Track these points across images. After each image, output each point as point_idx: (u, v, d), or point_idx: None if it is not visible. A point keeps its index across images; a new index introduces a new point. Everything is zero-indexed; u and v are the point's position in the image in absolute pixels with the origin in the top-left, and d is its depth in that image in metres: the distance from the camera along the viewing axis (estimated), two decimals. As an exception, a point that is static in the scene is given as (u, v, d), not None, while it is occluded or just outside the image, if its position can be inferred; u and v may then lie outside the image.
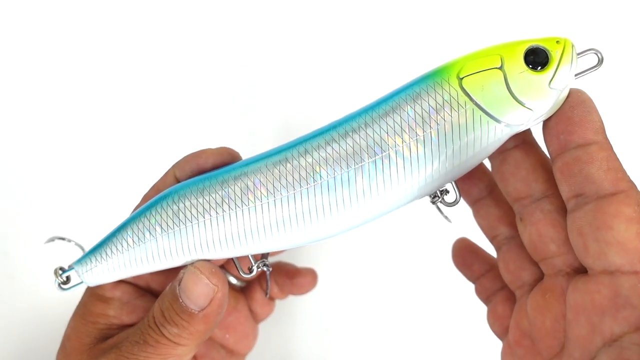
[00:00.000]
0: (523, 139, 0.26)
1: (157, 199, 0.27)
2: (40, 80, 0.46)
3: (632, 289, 0.21)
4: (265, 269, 0.28)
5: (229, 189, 0.25)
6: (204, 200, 0.26)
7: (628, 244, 0.21)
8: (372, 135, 0.24)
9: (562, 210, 0.24)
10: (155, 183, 0.29)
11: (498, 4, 0.46)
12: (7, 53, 0.46)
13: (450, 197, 0.26)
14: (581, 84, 0.24)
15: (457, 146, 0.24)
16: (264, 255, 0.29)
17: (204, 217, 0.26)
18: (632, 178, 0.22)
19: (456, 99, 0.24)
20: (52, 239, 0.30)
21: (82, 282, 0.28)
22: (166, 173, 0.28)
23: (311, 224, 0.25)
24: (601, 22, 0.46)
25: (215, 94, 0.47)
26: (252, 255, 0.27)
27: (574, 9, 0.46)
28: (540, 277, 0.26)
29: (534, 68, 0.24)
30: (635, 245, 0.21)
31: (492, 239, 0.29)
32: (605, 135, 0.23)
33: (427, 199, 0.26)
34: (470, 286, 0.31)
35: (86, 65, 0.46)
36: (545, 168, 0.25)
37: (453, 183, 0.25)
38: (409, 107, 0.24)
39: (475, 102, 0.24)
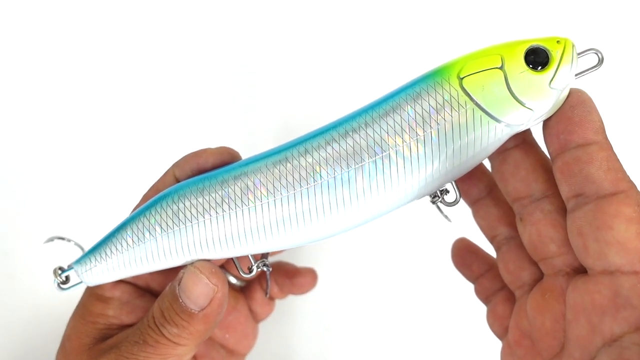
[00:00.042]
0: (523, 139, 0.26)
1: (157, 198, 0.27)
2: (40, 80, 0.46)
3: (632, 289, 0.21)
4: (265, 268, 0.28)
5: (229, 188, 0.25)
6: (204, 200, 0.26)
7: (628, 244, 0.21)
8: (372, 135, 0.24)
9: (562, 210, 0.24)
10: (155, 183, 0.29)
11: (498, 4, 0.46)
12: (7, 53, 0.46)
13: (450, 197, 0.26)
14: (581, 84, 0.24)
15: (458, 146, 0.24)
16: (264, 255, 0.29)
17: (203, 217, 0.26)
18: (632, 178, 0.22)
19: (456, 98, 0.24)
20: (51, 239, 0.30)
21: (81, 282, 0.28)
22: (166, 173, 0.28)
23: (311, 223, 0.25)
24: (601, 22, 0.46)
25: (215, 94, 0.47)
26: (252, 255, 0.27)
27: (574, 8, 0.46)
28: (539, 277, 0.26)
29: (535, 68, 0.24)
30: (635, 245, 0.21)
31: (492, 239, 0.29)
32: (605, 135, 0.23)
33: (427, 198, 0.26)
34: (470, 286, 0.31)
35: (86, 66, 0.46)
36: (545, 168, 0.25)
37: (453, 183, 0.25)
38: (409, 106, 0.24)
39: (476, 102, 0.24)
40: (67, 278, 0.28)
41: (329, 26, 0.47)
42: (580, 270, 0.24)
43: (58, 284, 0.28)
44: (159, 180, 0.29)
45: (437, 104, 0.24)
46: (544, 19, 0.46)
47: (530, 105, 0.23)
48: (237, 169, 0.26)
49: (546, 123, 0.24)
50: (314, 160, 0.25)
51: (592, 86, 0.25)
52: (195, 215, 0.26)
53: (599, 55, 0.24)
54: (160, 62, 0.47)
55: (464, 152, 0.24)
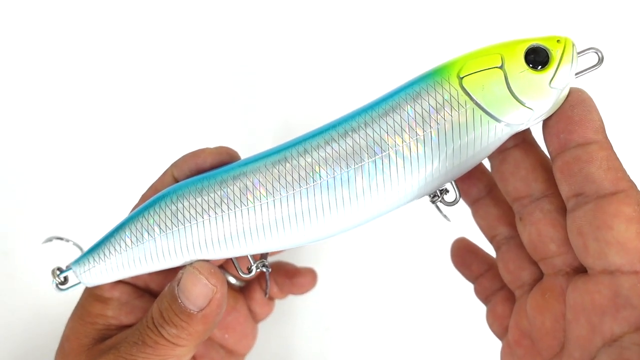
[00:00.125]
0: (523, 138, 0.26)
1: (156, 199, 0.27)
2: (39, 81, 0.46)
3: (632, 289, 0.21)
4: (264, 269, 0.28)
5: (228, 188, 0.25)
6: (203, 200, 0.26)
7: (628, 243, 0.21)
8: (371, 135, 0.24)
9: (562, 209, 0.24)
10: (154, 183, 0.29)
11: (498, 3, 0.46)
12: (7, 53, 0.46)
13: (450, 197, 0.26)
14: (581, 83, 0.24)
15: (457, 145, 0.24)
16: (263, 256, 0.29)
17: (202, 217, 0.25)
18: (632, 177, 0.22)
19: (456, 98, 0.24)
20: (49, 239, 0.30)
21: (80, 283, 0.28)
22: (164, 173, 0.28)
23: (310, 224, 0.25)
24: (601, 21, 0.46)
25: (215, 93, 0.47)
26: (251, 256, 0.27)
27: (574, 8, 0.46)
28: (539, 276, 0.26)
29: (535, 67, 0.24)
30: (636, 245, 0.21)
31: (492, 239, 0.29)
32: (605, 135, 0.23)
33: (427, 198, 0.26)
34: (470, 286, 0.31)
35: (86, 66, 0.46)
36: (545, 167, 0.25)
37: (453, 182, 0.25)
38: (409, 106, 0.24)
39: (476, 102, 0.23)
40: (66, 279, 0.28)
41: (329, 26, 0.47)
42: (580, 270, 0.24)
43: (57, 285, 0.28)
44: (157, 180, 0.28)
45: (437, 104, 0.24)
46: (544, 18, 0.46)
47: (530, 105, 0.23)
48: (236, 169, 0.26)
49: (546, 122, 0.24)
50: (313, 160, 0.25)
51: (592, 85, 0.25)
52: (194, 216, 0.26)
53: (599, 54, 0.24)
54: (159, 62, 0.47)
55: (464, 152, 0.24)
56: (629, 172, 0.22)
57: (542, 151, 0.26)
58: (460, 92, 0.24)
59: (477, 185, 0.29)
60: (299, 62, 0.47)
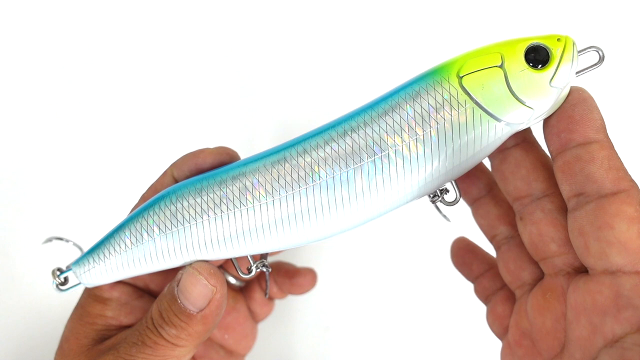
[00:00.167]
0: (523, 138, 0.25)
1: (155, 199, 0.26)
2: (39, 81, 0.46)
3: (634, 289, 0.21)
4: (264, 269, 0.28)
5: (228, 189, 0.25)
6: (202, 201, 0.25)
7: (629, 243, 0.21)
8: (371, 135, 0.24)
9: (563, 209, 0.24)
10: (153, 183, 0.28)
11: (498, 3, 0.46)
12: (7, 54, 0.46)
13: (450, 197, 0.26)
14: (582, 82, 0.24)
15: (457, 145, 0.24)
16: (263, 256, 0.29)
17: (202, 217, 0.25)
18: (633, 177, 0.22)
19: (456, 97, 0.24)
20: (49, 239, 0.30)
21: (80, 283, 0.28)
22: (164, 173, 0.28)
23: (310, 224, 0.25)
24: (602, 20, 0.46)
25: (214, 94, 0.47)
26: (251, 256, 0.27)
27: (575, 6, 0.46)
28: (540, 276, 0.26)
29: (535, 66, 0.23)
30: (637, 245, 0.21)
31: (492, 239, 0.29)
32: (607, 134, 0.22)
33: (427, 198, 0.25)
34: (470, 286, 0.31)
35: (86, 66, 0.46)
36: (545, 167, 0.25)
37: (453, 182, 0.25)
38: (408, 106, 0.24)
39: (475, 101, 0.23)
40: (66, 279, 0.28)
41: (328, 26, 0.47)
42: (581, 270, 0.24)
43: (57, 285, 0.28)
44: (157, 180, 0.28)
45: (437, 103, 0.24)
46: (544, 16, 0.46)
47: (530, 104, 0.23)
48: (236, 169, 0.26)
49: (547, 122, 0.24)
50: (313, 160, 0.24)
51: (593, 84, 0.25)
52: (194, 216, 0.25)
53: (600, 53, 0.24)
54: (159, 62, 0.47)
55: (464, 152, 0.24)
56: (630, 172, 0.22)
57: (542, 150, 0.26)
58: (460, 91, 0.24)
59: (477, 185, 0.29)
60: (299, 63, 0.47)
